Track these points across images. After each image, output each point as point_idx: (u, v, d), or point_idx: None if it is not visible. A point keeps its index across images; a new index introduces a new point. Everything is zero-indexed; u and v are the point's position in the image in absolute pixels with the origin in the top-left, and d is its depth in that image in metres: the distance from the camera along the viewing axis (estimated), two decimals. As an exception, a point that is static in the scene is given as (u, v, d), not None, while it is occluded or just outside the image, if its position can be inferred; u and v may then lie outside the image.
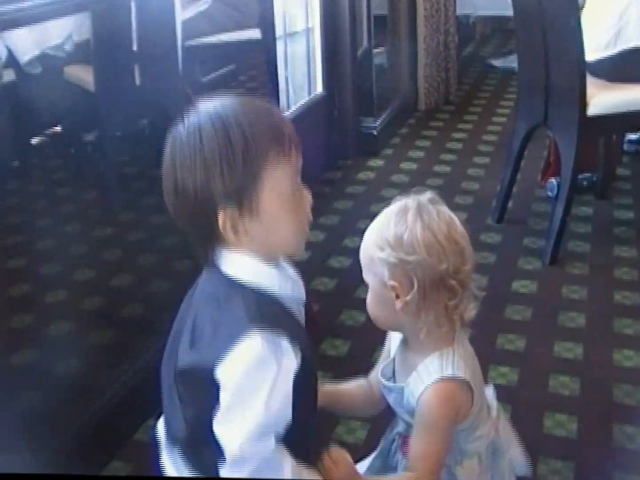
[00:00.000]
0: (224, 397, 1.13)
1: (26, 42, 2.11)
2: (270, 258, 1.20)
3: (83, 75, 2.28)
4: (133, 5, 2.32)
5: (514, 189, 3.30)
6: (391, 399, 1.35)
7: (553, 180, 3.32)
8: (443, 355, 1.28)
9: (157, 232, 2.41)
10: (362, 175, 3.82)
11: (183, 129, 1.15)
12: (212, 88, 3.23)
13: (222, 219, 1.13)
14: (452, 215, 1.29)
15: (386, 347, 1.43)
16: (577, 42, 2.70)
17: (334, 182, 3.75)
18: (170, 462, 1.27)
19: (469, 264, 1.27)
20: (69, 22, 2.25)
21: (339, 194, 3.59)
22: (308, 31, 3.94)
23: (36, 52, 2.14)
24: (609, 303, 2.63)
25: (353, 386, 1.47)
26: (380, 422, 1.49)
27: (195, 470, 1.23)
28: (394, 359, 1.38)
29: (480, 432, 1.33)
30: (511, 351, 2.39)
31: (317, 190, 3.60)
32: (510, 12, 3.44)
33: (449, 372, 1.26)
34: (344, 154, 4.00)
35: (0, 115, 2.07)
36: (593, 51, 2.86)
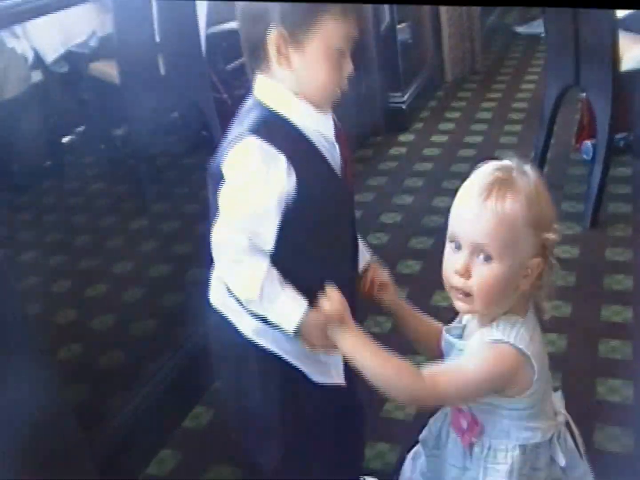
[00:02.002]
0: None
1: (51, 42, 2.11)
2: (304, 99, 1.26)
3: (108, 70, 2.28)
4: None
5: (549, 154, 3.24)
6: (452, 354, 1.30)
7: (588, 143, 3.26)
8: (509, 323, 1.23)
9: (192, 220, 2.40)
10: (393, 151, 3.78)
11: None
12: (237, 75, 3.21)
13: (272, 34, 1.20)
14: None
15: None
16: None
17: (366, 159, 3.71)
18: None
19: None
20: (92, 18, 2.25)
21: (372, 171, 3.55)
22: (330, 9, 3.90)
23: (61, 50, 2.14)
24: (657, 263, 2.58)
25: (426, 318, 1.42)
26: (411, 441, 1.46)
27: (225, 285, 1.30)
28: (464, 326, 1.33)
29: (536, 424, 1.28)
30: (557, 318, 2.34)
31: (350, 169, 3.56)
32: (533, -24, 3.39)
33: (510, 339, 1.21)
34: (374, 130, 3.96)
35: (31, 116, 2.07)
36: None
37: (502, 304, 1.23)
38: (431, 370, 1.20)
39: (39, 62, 2.08)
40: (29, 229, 2.03)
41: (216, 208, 1.24)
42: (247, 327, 1.31)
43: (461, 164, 3.48)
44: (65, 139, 2.27)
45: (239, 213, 1.22)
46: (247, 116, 1.25)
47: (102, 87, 2.28)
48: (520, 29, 5.75)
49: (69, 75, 2.21)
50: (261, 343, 1.31)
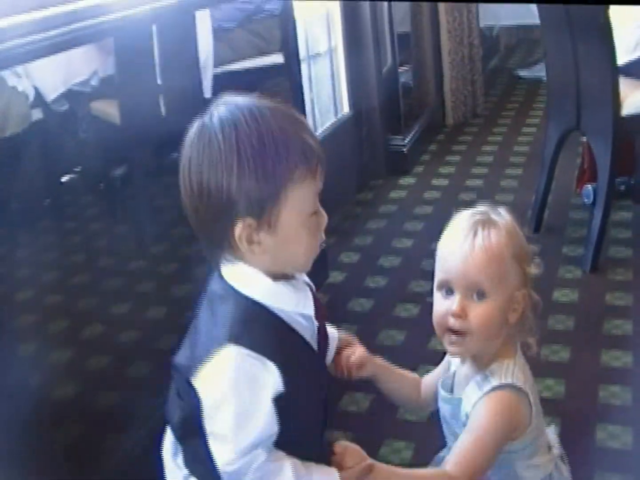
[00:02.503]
0: (203, 410, 1.12)
1: (52, 80, 2.13)
2: (277, 273, 1.16)
3: (109, 109, 2.29)
4: (155, 39, 2.32)
5: (549, 198, 3.25)
6: (447, 411, 1.33)
7: (589, 187, 3.26)
8: (503, 366, 1.27)
9: (190, 263, 2.40)
10: (393, 194, 3.79)
11: (216, 122, 1.11)
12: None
13: (240, 228, 1.09)
14: None
15: (445, 361, 1.41)
16: (608, 39, 2.66)
17: (366, 202, 3.72)
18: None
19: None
20: (94, 57, 2.26)
21: (371, 214, 3.56)
22: (331, 52, 3.93)
23: (62, 89, 2.15)
24: (657, 308, 2.57)
25: (406, 374, 1.46)
26: (425, 441, 1.46)
27: (187, 467, 1.22)
28: (454, 374, 1.35)
29: (538, 460, 1.30)
30: (556, 362, 2.33)
31: (350, 211, 3.58)
32: (533, 21, 3.41)
33: (508, 380, 1.24)
34: (374, 173, 3.98)
35: (31, 154, 2.08)
36: (623, 53, 2.81)
37: (495, 339, 1.27)
38: (453, 460, 1.23)
39: (39, 100, 2.08)
40: (26, 267, 2.02)
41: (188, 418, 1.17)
42: None
43: (462, 207, 3.48)
44: (64, 178, 2.27)
45: (245, 437, 1.10)
46: (219, 305, 1.14)
47: (102, 126, 2.29)
48: (522, 73, 5.80)
49: (70, 113, 2.22)
50: None
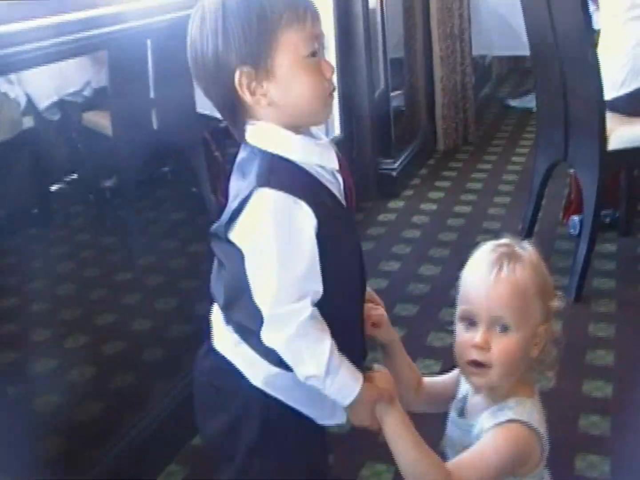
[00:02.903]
0: (246, 261, 1.16)
1: (45, 89, 2.13)
2: (297, 126, 1.21)
3: (101, 120, 2.29)
4: (149, 52, 2.33)
5: (536, 228, 3.27)
6: (456, 434, 1.33)
7: (575, 218, 3.29)
8: (520, 403, 1.26)
9: (176, 276, 2.40)
10: (382, 217, 3.79)
11: None
12: (230, 132, 3.23)
13: (239, 78, 1.16)
14: None
15: (450, 376, 1.43)
16: (595, 76, 2.69)
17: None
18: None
19: None
20: (87, 68, 2.27)
21: (360, 235, 3.55)
22: (324, 74, 3.95)
23: (55, 98, 2.16)
24: (638, 341, 2.57)
25: (413, 365, 1.46)
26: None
27: (238, 333, 1.25)
28: (465, 397, 1.35)
29: None
30: (539, 390, 2.33)
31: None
32: (525, 52, 3.45)
33: (524, 418, 1.24)
34: (364, 196, 3.98)
35: (21, 161, 2.08)
36: (609, 89, 2.84)
37: (515, 373, 1.27)
38: (455, 464, 1.23)
39: (31, 107, 2.08)
40: (12, 275, 2.01)
41: (235, 277, 1.20)
42: (258, 376, 1.24)
43: (449, 232, 3.50)
44: (54, 187, 2.27)
45: (291, 277, 1.14)
46: (247, 167, 1.20)
47: (94, 137, 2.29)
48: (512, 102, 5.84)
49: (61, 123, 2.22)
50: (270, 391, 1.25)
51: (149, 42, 2.29)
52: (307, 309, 1.14)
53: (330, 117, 3.90)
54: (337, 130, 3.93)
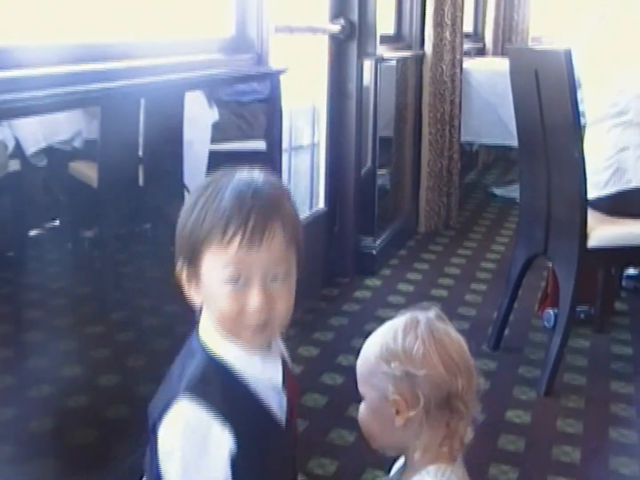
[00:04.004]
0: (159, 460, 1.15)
1: (34, 134, 2.13)
2: (233, 336, 1.16)
3: (87, 171, 2.29)
4: (142, 111, 2.34)
5: (511, 317, 3.26)
6: None
7: (550, 311, 3.30)
8: (440, 471, 1.24)
9: (148, 333, 2.37)
10: (358, 294, 3.79)
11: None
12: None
13: (179, 267, 1.18)
14: (459, 335, 1.29)
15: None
16: (580, 174, 2.72)
17: (330, 298, 3.72)
18: None
19: (475, 386, 1.25)
20: (79, 119, 2.27)
21: (334, 310, 3.55)
22: (313, 146, 3.99)
23: (43, 144, 2.15)
24: (605, 439, 2.56)
25: None
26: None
27: None
28: (400, 468, 1.34)
29: None
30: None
31: (313, 305, 3.57)
32: (512, 142, 3.51)
33: None
34: (341, 271, 3.99)
35: (2, 204, 2.07)
36: (592, 188, 2.87)
37: (385, 440, 1.28)
38: None
39: (18, 151, 2.08)
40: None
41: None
42: None
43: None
44: (33, 232, 2.25)
45: None
46: (188, 360, 1.17)
47: (78, 186, 2.29)
48: (496, 191, 5.91)
49: (47, 169, 2.21)
50: None
51: (142, 100, 2.30)
52: None
53: (315, 194, 3.93)
54: (320, 203, 3.94)
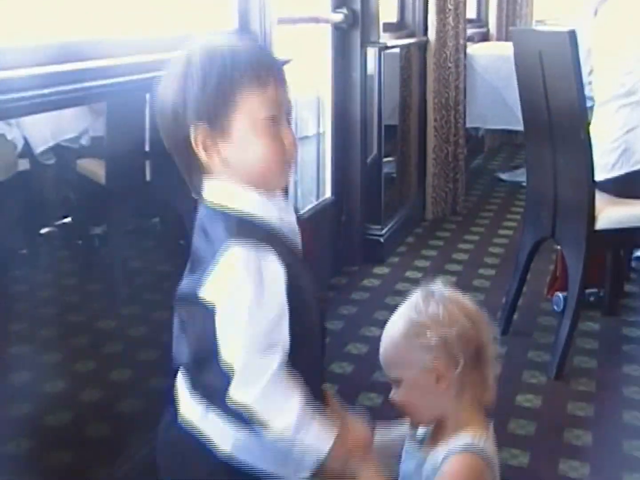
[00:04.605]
0: (217, 317, 1.16)
1: (42, 133, 2.15)
2: (255, 187, 1.21)
3: (95, 168, 2.31)
4: (147, 106, 2.35)
5: (520, 302, 3.27)
6: (411, 465, 1.36)
7: (559, 295, 3.30)
8: (476, 435, 1.30)
9: (159, 327, 2.38)
10: (367, 282, 3.80)
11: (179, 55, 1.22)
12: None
13: (194, 135, 1.18)
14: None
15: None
16: (586, 156, 2.72)
17: (339, 287, 3.73)
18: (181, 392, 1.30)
19: (492, 334, 1.35)
20: (85, 116, 2.28)
21: (343, 299, 3.56)
22: (319, 136, 3.99)
23: (51, 143, 2.17)
24: (617, 422, 2.56)
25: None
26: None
27: (205, 398, 1.24)
28: (425, 433, 1.39)
29: None
30: (515, 467, 2.32)
31: (322, 295, 3.58)
32: (518, 127, 3.49)
33: (480, 447, 1.28)
34: (350, 260, 3.99)
35: (13, 203, 2.08)
36: (600, 170, 2.87)
37: (430, 412, 1.34)
38: None
39: (27, 150, 2.10)
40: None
41: (196, 337, 1.21)
42: (226, 443, 1.23)
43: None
44: (43, 230, 2.27)
45: (262, 329, 1.14)
46: (210, 226, 1.20)
47: (87, 184, 2.30)
48: (503, 176, 5.90)
49: (56, 167, 2.23)
50: (239, 458, 1.23)
51: (147, 96, 2.31)
52: (276, 359, 1.14)
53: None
54: (327, 193, 3.95)
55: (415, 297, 1.33)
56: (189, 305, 1.22)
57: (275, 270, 1.16)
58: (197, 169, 1.22)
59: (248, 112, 1.18)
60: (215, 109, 1.17)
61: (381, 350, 1.37)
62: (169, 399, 1.31)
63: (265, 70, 1.19)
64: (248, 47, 1.22)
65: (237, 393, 1.15)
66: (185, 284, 1.23)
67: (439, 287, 1.35)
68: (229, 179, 1.20)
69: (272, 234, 1.20)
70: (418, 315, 1.30)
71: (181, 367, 1.30)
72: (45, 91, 1.73)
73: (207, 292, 1.17)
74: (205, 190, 1.23)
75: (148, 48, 2.25)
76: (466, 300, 1.36)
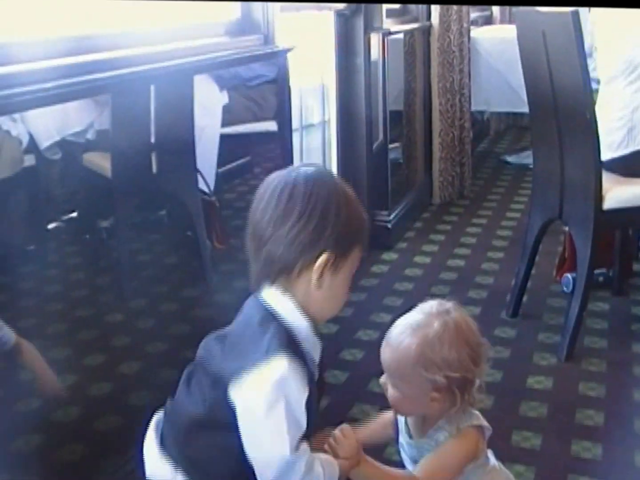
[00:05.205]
0: (244, 415, 1.28)
1: (47, 128, 2.15)
2: (308, 314, 1.35)
3: (101, 162, 2.31)
4: (152, 98, 2.36)
5: (529, 284, 3.27)
6: (413, 453, 1.52)
7: (568, 276, 3.30)
8: (466, 411, 1.47)
9: (167, 320, 2.39)
10: (375, 269, 3.80)
11: (311, 174, 1.35)
12: (228, 179, 3.26)
13: (324, 259, 1.30)
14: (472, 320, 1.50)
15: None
16: (593, 136, 2.71)
17: (347, 274, 3.72)
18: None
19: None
20: (91, 110, 2.29)
21: (352, 286, 3.55)
22: (324, 124, 3.99)
23: (57, 137, 2.17)
24: (629, 401, 2.56)
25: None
26: None
27: (191, 454, 1.35)
28: (405, 423, 1.56)
29: (490, 467, 1.53)
30: (527, 449, 2.32)
31: (331, 281, 3.57)
32: (524, 109, 3.48)
33: (474, 421, 1.46)
34: (358, 246, 3.99)
35: (20, 199, 2.09)
36: (606, 150, 2.86)
37: (418, 413, 1.51)
38: (422, 469, 1.45)
39: (33, 146, 2.10)
40: (3, 311, 2.01)
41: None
42: None
43: (441, 286, 3.50)
44: (51, 225, 2.28)
45: (295, 431, 1.28)
46: (261, 324, 1.31)
47: (93, 177, 2.31)
48: (509, 158, 5.88)
49: (62, 162, 2.24)
50: None
51: (152, 87, 2.31)
52: (307, 449, 1.30)
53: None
54: (334, 180, 3.94)
55: (430, 327, 1.45)
56: (214, 383, 1.32)
57: (305, 383, 1.30)
58: (282, 276, 1.32)
59: (353, 263, 1.36)
60: (346, 246, 1.33)
61: (386, 356, 1.49)
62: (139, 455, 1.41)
63: (367, 234, 1.37)
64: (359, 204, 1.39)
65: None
66: (217, 363, 1.34)
67: (452, 315, 1.47)
68: (299, 298, 1.34)
69: (306, 358, 1.33)
70: (431, 352, 1.41)
71: (164, 416, 1.43)
72: (50, 84, 1.74)
73: (246, 388, 1.28)
74: (267, 293, 1.34)
75: (151, 39, 2.26)
76: (474, 333, 1.47)
